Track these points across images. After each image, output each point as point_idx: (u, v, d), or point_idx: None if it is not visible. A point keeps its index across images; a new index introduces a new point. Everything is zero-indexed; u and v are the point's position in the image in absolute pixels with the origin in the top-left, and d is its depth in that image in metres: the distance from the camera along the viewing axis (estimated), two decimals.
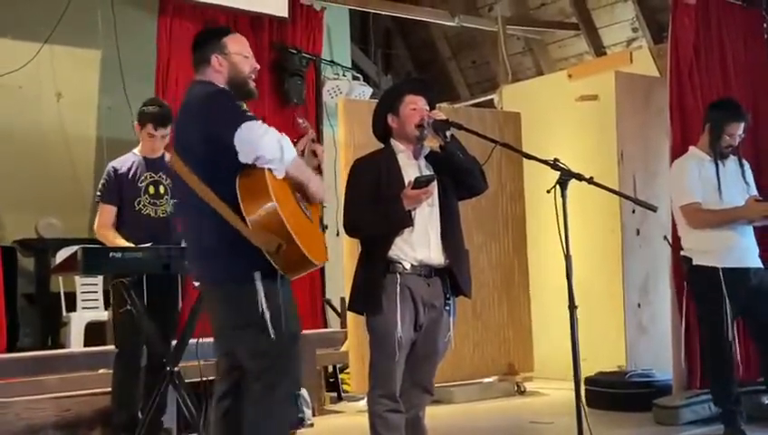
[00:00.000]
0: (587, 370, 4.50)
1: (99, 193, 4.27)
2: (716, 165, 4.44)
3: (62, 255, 5.42)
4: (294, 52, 6.14)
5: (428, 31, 9.30)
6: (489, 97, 8.10)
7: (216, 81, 2.94)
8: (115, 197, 4.22)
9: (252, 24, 6.06)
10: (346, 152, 5.38)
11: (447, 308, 3.33)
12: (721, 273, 4.29)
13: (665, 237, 5.41)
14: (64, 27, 5.79)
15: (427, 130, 3.35)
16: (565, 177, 3.20)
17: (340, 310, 6.28)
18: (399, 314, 3.18)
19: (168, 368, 3.74)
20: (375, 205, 3.26)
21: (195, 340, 3.64)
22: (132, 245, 4.00)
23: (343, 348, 5.71)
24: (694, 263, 4.44)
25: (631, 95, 5.96)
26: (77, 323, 5.66)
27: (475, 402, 5.72)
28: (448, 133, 3.32)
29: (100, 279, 5.69)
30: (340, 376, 6.02)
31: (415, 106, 3.37)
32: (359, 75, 7.41)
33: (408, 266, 3.24)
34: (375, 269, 3.23)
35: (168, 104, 4.51)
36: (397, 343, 3.17)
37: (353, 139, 5.37)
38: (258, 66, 3.09)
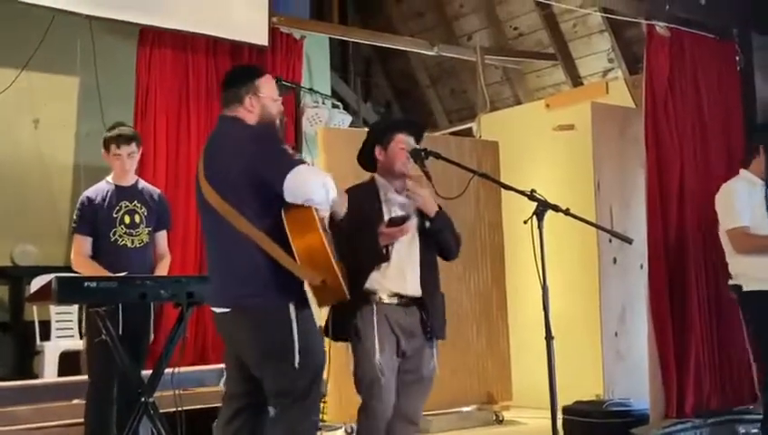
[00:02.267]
0: (564, 399, 4.50)
1: (74, 224, 4.23)
2: None
3: (37, 283, 5.37)
4: (274, 80, 6.16)
5: (408, 59, 9.37)
6: (468, 125, 8.16)
7: (247, 120, 3.05)
8: (89, 227, 4.16)
9: (232, 52, 6.08)
10: None
11: (429, 337, 3.36)
12: None
13: (641, 266, 5.45)
14: (43, 54, 5.77)
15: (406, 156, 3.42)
16: (542, 208, 3.23)
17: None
18: (378, 341, 3.24)
19: (144, 398, 3.69)
20: (353, 237, 3.30)
21: (170, 369, 3.61)
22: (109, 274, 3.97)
23: (323, 376, 5.67)
24: (744, 289, 4.36)
25: (607, 125, 6.03)
26: (51, 352, 5.59)
27: (454, 431, 5.70)
28: (432, 214, 3.40)
29: (75, 308, 5.62)
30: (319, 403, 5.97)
31: (404, 146, 3.45)
32: (338, 103, 7.43)
33: (384, 297, 3.31)
34: (352, 298, 3.24)
35: (129, 125, 4.49)
36: (378, 367, 3.24)
37: (333, 167, 5.38)
38: (283, 108, 3.21)
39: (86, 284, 3.50)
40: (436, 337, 3.42)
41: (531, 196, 3.27)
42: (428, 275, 3.42)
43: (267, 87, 3.12)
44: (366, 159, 3.56)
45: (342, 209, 3.07)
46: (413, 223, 3.35)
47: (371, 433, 3.32)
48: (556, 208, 3.24)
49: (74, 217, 4.23)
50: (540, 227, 3.21)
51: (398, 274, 3.33)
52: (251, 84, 3.08)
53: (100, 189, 4.25)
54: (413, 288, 3.35)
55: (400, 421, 3.37)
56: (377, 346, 3.25)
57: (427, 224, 3.40)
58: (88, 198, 4.21)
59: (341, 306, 3.26)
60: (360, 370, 3.32)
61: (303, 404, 2.91)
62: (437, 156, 3.45)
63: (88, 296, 3.55)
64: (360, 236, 3.30)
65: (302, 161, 2.91)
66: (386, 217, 3.35)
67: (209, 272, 3.14)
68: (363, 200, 3.38)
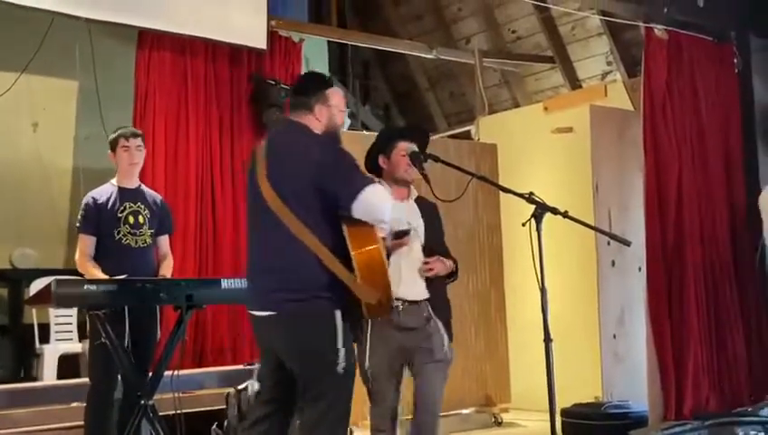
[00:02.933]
0: (563, 401, 4.51)
1: (78, 224, 4.25)
2: None
3: (36, 286, 5.37)
4: (273, 83, 6.16)
5: (406, 63, 9.38)
6: (466, 128, 8.17)
7: (313, 127, 3.09)
8: (94, 227, 4.20)
9: (230, 55, 6.08)
10: None
11: (433, 324, 3.44)
12: None
13: (639, 269, 5.46)
14: (42, 57, 5.77)
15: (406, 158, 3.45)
16: (540, 210, 3.24)
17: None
18: (369, 347, 3.33)
19: (143, 401, 3.70)
20: None
21: (170, 372, 3.62)
22: (107, 277, 3.98)
23: None
24: None
25: (606, 128, 6.04)
26: (50, 355, 5.58)
27: (452, 434, 5.70)
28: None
29: (74, 311, 5.63)
30: None
31: (405, 153, 3.50)
32: None
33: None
34: (357, 304, 3.29)
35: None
36: (367, 373, 3.33)
37: None
38: (344, 120, 3.28)
39: (86, 286, 3.51)
40: (439, 318, 3.48)
41: (529, 198, 3.28)
42: (435, 281, 3.49)
43: (336, 98, 3.17)
44: (371, 167, 3.60)
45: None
46: (412, 235, 3.41)
47: (375, 428, 3.41)
48: (554, 211, 3.25)
49: (79, 216, 4.25)
50: (538, 230, 3.22)
51: (394, 277, 3.29)
52: (321, 93, 3.13)
53: (104, 191, 4.29)
54: (407, 292, 3.41)
55: (422, 410, 3.44)
56: (367, 353, 3.34)
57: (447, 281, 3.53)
58: (93, 198, 4.25)
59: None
60: (362, 375, 3.40)
61: (339, 410, 2.95)
62: (436, 159, 3.47)
63: (87, 299, 3.56)
64: None
65: (373, 180, 2.97)
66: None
67: (252, 273, 3.12)
68: None
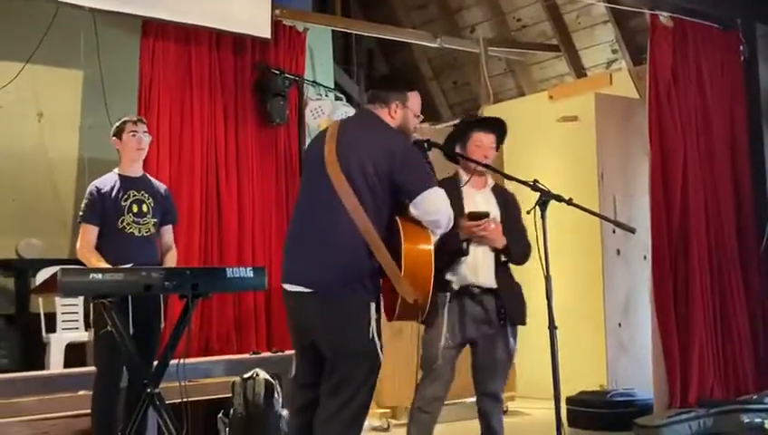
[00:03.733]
0: (568, 389, 4.51)
1: (81, 213, 4.26)
2: None
3: (42, 275, 5.39)
4: (277, 72, 6.16)
5: (411, 52, 9.36)
6: None
7: (388, 123, 3.17)
8: (97, 216, 4.20)
9: (234, 44, 6.07)
10: None
11: (502, 323, 3.49)
12: None
13: (645, 257, 5.45)
14: (46, 47, 5.78)
15: None
16: (545, 198, 3.24)
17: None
18: (444, 329, 3.41)
19: (149, 389, 3.71)
20: None
21: (176, 361, 3.63)
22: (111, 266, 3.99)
23: None
24: None
25: (611, 116, 6.02)
26: (57, 344, 5.61)
27: (458, 422, 5.71)
28: (499, 246, 3.48)
29: (80, 300, 5.65)
30: None
31: (480, 144, 3.57)
32: (341, 96, 7.43)
33: (456, 287, 3.44)
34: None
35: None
36: (439, 353, 3.41)
37: None
38: (419, 124, 3.31)
39: (91, 275, 3.50)
40: (513, 323, 3.54)
41: (534, 186, 3.29)
42: (502, 266, 3.52)
43: (414, 101, 3.23)
44: (450, 156, 3.67)
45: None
46: (492, 222, 3.43)
47: (423, 404, 3.51)
48: (559, 199, 3.25)
49: (83, 205, 4.25)
50: (543, 217, 3.23)
51: (472, 266, 3.44)
52: (402, 94, 3.19)
53: (108, 180, 4.29)
54: (486, 280, 3.47)
55: (485, 398, 3.56)
56: (442, 335, 3.40)
57: (502, 257, 3.51)
58: (96, 187, 4.25)
59: None
60: (425, 352, 3.47)
61: (362, 400, 2.99)
62: (441, 147, 3.47)
63: (93, 288, 3.56)
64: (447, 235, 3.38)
65: (439, 184, 3.04)
66: (466, 210, 3.43)
67: (293, 248, 3.12)
68: (449, 192, 3.44)
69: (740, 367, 5.53)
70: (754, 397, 5.14)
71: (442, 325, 3.42)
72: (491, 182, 3.62)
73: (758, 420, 4.82)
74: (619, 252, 5.98)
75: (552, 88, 7.60)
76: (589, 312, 6.00)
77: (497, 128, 3.65)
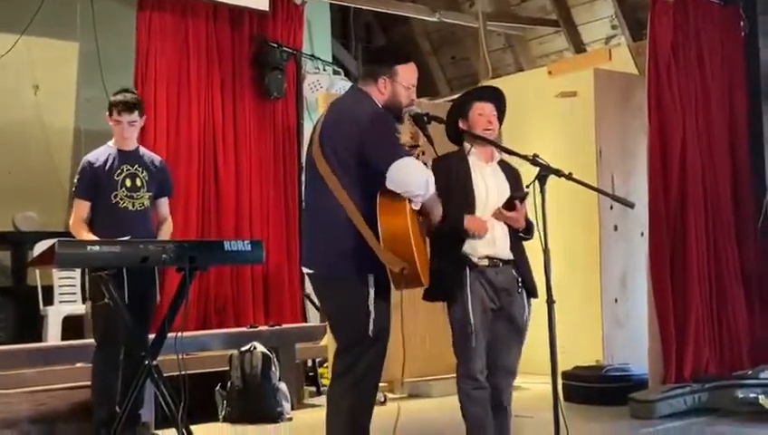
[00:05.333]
0: (564, 364, 4.53)
1: (74, 188, 4.24)
2: None
3: (39, 248, 5.38)
4: (275, 46, 6.13)
5: (409, 26, 9.30)
6: None
7: (375, 98, 3.15)
8: (90, 191, 4.18)
9: (232, 17, 6.04)
10: None
11: (520, 291, 3.48)
12: None
13: (642, 234, 5.46)
14: (42, 19, 5.73)
15: (407, 118, 3.44)
16: (544, 172, 3.23)
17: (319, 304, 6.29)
18: (471, 305, 3.37)
19: (147, 362, 3.72)
20: (450, 208, 3.38)
21: (173, 334, 3.64)
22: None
23: (322, 342, 5.72)
24: None
25: (610, 92, 6.00)
26: (54, 316, 5.62)
27: (453, 396, 5.73)
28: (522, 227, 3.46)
29: (77, 272, 5.65)
30: (319, 370, 6.03)
31: (482, 112, 3.53)
32: (339, 70, 7.40)
33: (476, 260, 3.42)
34: (448, 263, 3.39)
35: (136, 92, 4.49)
36: (473, 330, 3.37)
37: None
38: (415, 98, 3.27)
39: (89, 248, 3.50)
40: (530, 296, 3.52)
41: (533, 160, 3.27)
42: (515, 239, 3.52)
43: (405, 74, 3.17)
44: (453, 135, 3.62)
45: (438, 213, 3.17)
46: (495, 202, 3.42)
47: (473, 383, 3.45)
48: (559, 173, 3.24)
49: (75, 180, 4.24)
50: (542, 192, 3.22)
51: (489, 238, 3.43)
52: (389, 68, 3.15)
53: (101, 153, 4.26)
54: (503, 252, 3.45)
55: (499, 372, 3.52)
56: (470, 311, 3.38)
57: (521, 234, 3.52)
58: (89, 161, 4.23)
59: (438, 270, 3.36)
60: (459, 334, 3.45)
61: (370, 379, 3.05)
62: (441, 121, 3.45)
63: (90, 260, 3.56)
64: (455, 209, 3.39)
65: (409, 154, 3.02)
66: (475, 182, 3.44)
67: (304, 234, 3.39)
68: (452, 168, 3.48)
69: (735, 343, 5.55)
70: (749, 372, 5.16)
71: (467, 302, 3.40)
72: (497, 156, 3.60)
73: (752, 395, 4.85)
74: (616, 228, 5.98)
75: (552, 63, 7.56)
76: (585, 287, 6.02)
77: (495, 97, 3.63)
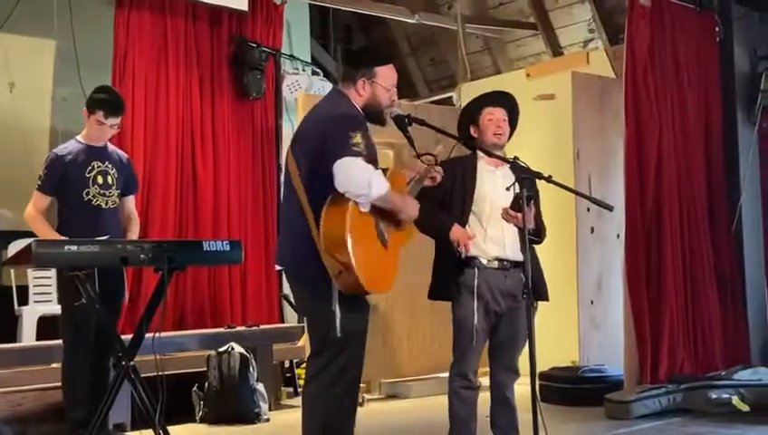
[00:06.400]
0: (540, 365, 4.52)
1: (40, 181, 4.14)
2: None
3: (14, 247, 5.32)
4: (254, 45, 6.11)
5: (388, 27, 9.32)
6: (448, 94, 8.14)
7: (354, 100, 3.14)
8: (56, 186, 4.12)
9: (211, 16, 6.01)
10: None
11: (526, 295, 3.44)
12: None
13: (618, 236, 5.50)
14: (18, 16, 5.67)
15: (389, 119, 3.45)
16: (524, 175, 3.25)
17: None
18: (476, 306, 3.42)
19: (124, 362, 3.69)
20: (438, 212, 3.46)
21: (151, 334, 3.61)
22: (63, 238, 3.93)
23: (300, 343, 5.71)
24: None
25: (588, 95, 6.05)
26: (29, 316, 5.55)
27: (432, 397, 5.76)
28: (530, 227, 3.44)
29: (52, 272, 5.58)
30: (296, 371, 6.02)
31: (491, 117, 3.59)
32: (318, 70, 7.39)
33: (485, 262, 3.46)
34: (455, 262, 3.45)
35: (120, 94, 4.45)
36: (474, 331, 3.41)
37: None
38: (396, 98, 3.26)
39: (66, 247, 3.46)
40: (538, 299, 3.54)
41: (513, 163, 3.30)
42: (524, 241, 3.49)
43: (384, 76, 3.16)
44: (466, 140, 3.66)
45: (409, 213, 3.11)
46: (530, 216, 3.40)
47: (465, 383, 3.50)
48: (539, 176, 3.26)
49: (41, 173, 4.15)
50: (522, 195, 3.24)
51: (497, 239, 3.47)
52: (369, 70, 3.14)
53: (70, 147, 4.20)
54: (512, 253, 3.49)
55: (503, 371, 3.58)
56: (474, 311, 3.40)
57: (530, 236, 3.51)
58: (57, 154, 4.16)
59: (443, 269, 3.44)
60: (460, 333, 3.49)
61: (345, 380, 3.00)
62: (422, 122, 3.45)
63: (68, 260, 3.53)
64: (449, 215, 3.47)
65: (359, 154, 2.91)
66: (480, 189, 3.48)
67: (280, 231, 3.47)
68: (458, 171, 3.53)
69: (709, 344, 5.62)
70: (723, 373, 5.23)
71: (472, 303, 3.44)
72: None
73: (726, 395, 4.92)
74: (593, 230, 6.03)
75: (530, 66, 7.60)
76: (562, 289, 6.01)
77: (506, 103, 3.66)
